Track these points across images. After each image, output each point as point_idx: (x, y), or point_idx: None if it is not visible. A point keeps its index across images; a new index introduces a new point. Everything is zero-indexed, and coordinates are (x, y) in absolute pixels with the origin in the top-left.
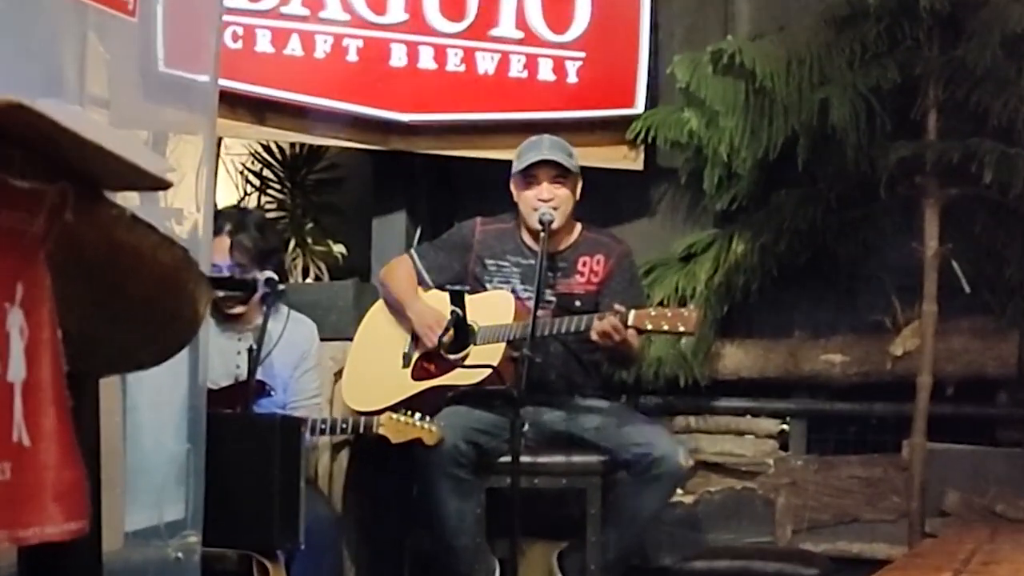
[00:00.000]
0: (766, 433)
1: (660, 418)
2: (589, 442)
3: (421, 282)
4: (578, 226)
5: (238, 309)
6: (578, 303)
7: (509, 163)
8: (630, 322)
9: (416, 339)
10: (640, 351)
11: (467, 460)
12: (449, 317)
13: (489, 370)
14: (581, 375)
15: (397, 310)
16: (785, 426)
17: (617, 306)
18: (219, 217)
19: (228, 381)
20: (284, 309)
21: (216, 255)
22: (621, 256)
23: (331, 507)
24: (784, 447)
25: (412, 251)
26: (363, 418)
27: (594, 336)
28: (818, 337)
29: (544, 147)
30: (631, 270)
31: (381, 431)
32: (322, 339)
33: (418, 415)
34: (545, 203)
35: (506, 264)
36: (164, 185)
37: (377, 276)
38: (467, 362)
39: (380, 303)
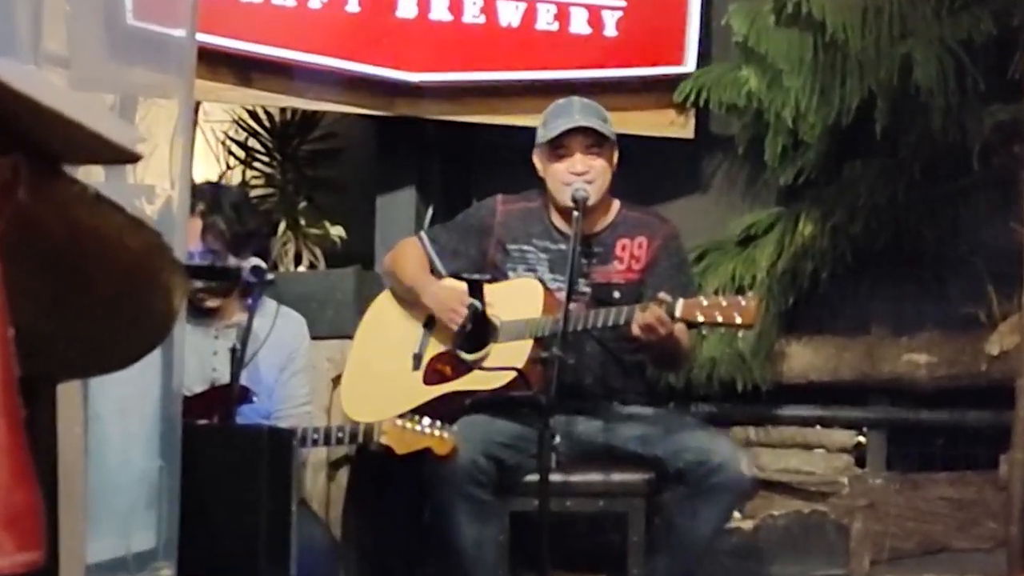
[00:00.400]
0: (839, 447)
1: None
2: (631, 455)
3: (432, 270)
4: (616, 204)
5: (214, 302)
6: (617, 294)
7: (535, 131)
8: (678, 313)
9: (429, 337)
10: (690, 349)
11: (487, 478)
12: (465, 315)
13: (513, 373)
14: (621, 378)
15: (408, 298)
16: (862, 438)
17: (662, 295)
18: (191, 195)
19: (202, 386)
20: (271, 303)
21: (187, 239)
22: (667, 237)
23: (328, 533)
24: (860, 463)
25: (422, 233)
26: (362, 426)
27: (635, 330)
28: (900, 334)
29: (575, 111)
30: (678, 254)
31: (384, 440)
32: (318, 337)
33: (427, 420)
34: (578, 176)
35: (532, 249)
36: (133, 158)
37: (381, 263)
38: (487, 363)
39: (385, 295)
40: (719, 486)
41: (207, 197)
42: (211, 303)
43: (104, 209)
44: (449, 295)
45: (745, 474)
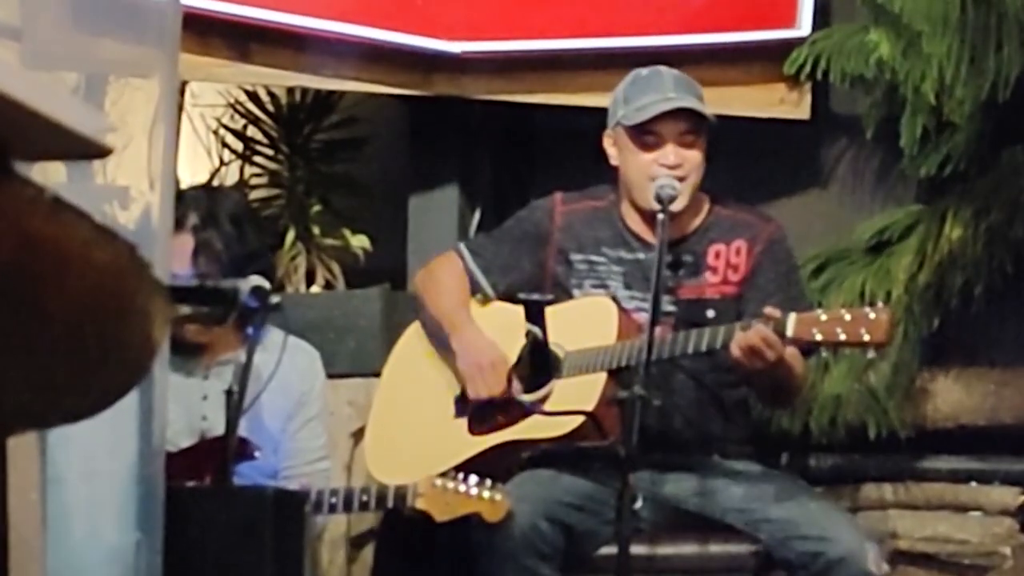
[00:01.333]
0: (1000, 508)
1: (840, 488)
2: (731, 527)
3: (476, 290)
4: (706, 200)
5: (203, 335)
6: (711, 312)
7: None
8: (789, 332)
9: None
10: (804, 378)
11: (551, 548)
12: (522, 346)
13: (582, 417)
14: (720, 423)
15: (438, 337)
16: None
17: (769, 309)
18: (179, 203)
19: (190, 439)
20: (278, 334)
21: (174, 260)
22: (770, 240)
23: None
24: None
25: (461, 246)
26: (392, 488)
27: (736, 353)
28: None
29: (668, 86)
30: (786, 260)
31: (420, 504)
32: (337, 375)
33: (474, 479)
34: (670, 170)
35: (602, 260)
36: (101, 151)
37: (413, 282)
38: (549, 406)
39: (418, 324)
40: None
41: (201, 207)
42: (199, 336)
43: (65, 217)
44: (481, 348)
45: (873, 573)
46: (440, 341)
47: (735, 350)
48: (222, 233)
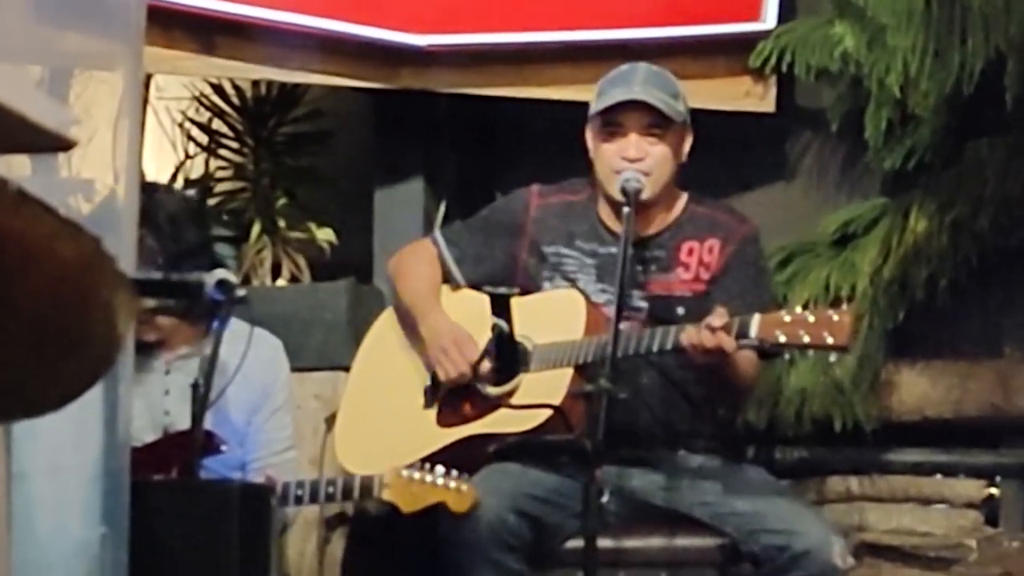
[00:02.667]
0: (965, 501)
1: (806, 481)
2: (697, 521)
3: (448, 278)
4: (683, 197)
5: (161, 331)
6: (681, 309)
7: (577, 107)
8: (753, 333)
9: None
10: (754, 378)
11: (519, 541)
12: (489, 335)
13: (549, 411)
14: (687, 418)
15: (409, 322)
16: (994, 490)
17: (719, 308)
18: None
19: (153, 435)
20: (243, 326)
21: None
22: (744, 240)
23: None
24: (992, 521)
25: (437, 233)
26: (358, 478)
27: (684, 343)
28: None
29: (636, 80)
30: (757, 262)
31: (386, 495)
32: (303, 368)
33: (440, 470)
34: (631, 163)
35: (574, 253)
36: (65, 144)
37: (383, 272)
38: (516, 399)
39: (388, 313)
40: None
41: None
42: (157, 331)
43: (30, 210)
44: (449, 331)
45: (838, 567)
46: (410, 326)
47: (684, 343)
48: (156, 232)
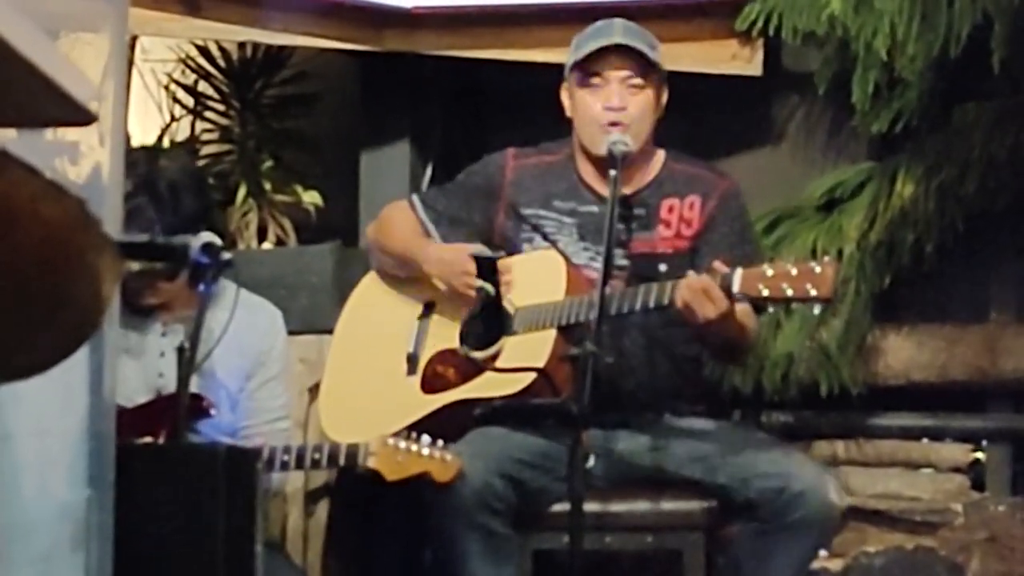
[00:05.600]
0: (951, 465)
1: (793, 445)
2: (688, 482)
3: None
4: (661, 155)
5: (159, 294)
6: (663, 267)
7: (562, 69)
8: (736, 288)
9: (426, 331)
10: (756, 335)
11: (504, 506)
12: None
13: (533, 374)
14: (673, 380)
15: (402, 273)
16: (980, 454)
17: (717, 264)
18: None
19: (147, 396)
20: (230, 289)
21: None
22: (725, 196)
23: None
24: (979, 485)
25: (413, 197)
26: (344, 446)
27: (679, 305)
28: None
29: (615, 33)
30: (740, 217)
31: (372, 464)
32: (290, 331)
33: (425, 439)
34: (615, 112)
35: (551, 215)
36: (89, 119)
37: (367, 232)
38: (500, 363)
39: (371, 278)
40: (800, 521)
41: (138, 172)
42: (156, 294)
43: (14, 172)
44: (452, 255)
45: (835, 503)
46: (405, 281)
47: (679, 302)
48: (156, 201)
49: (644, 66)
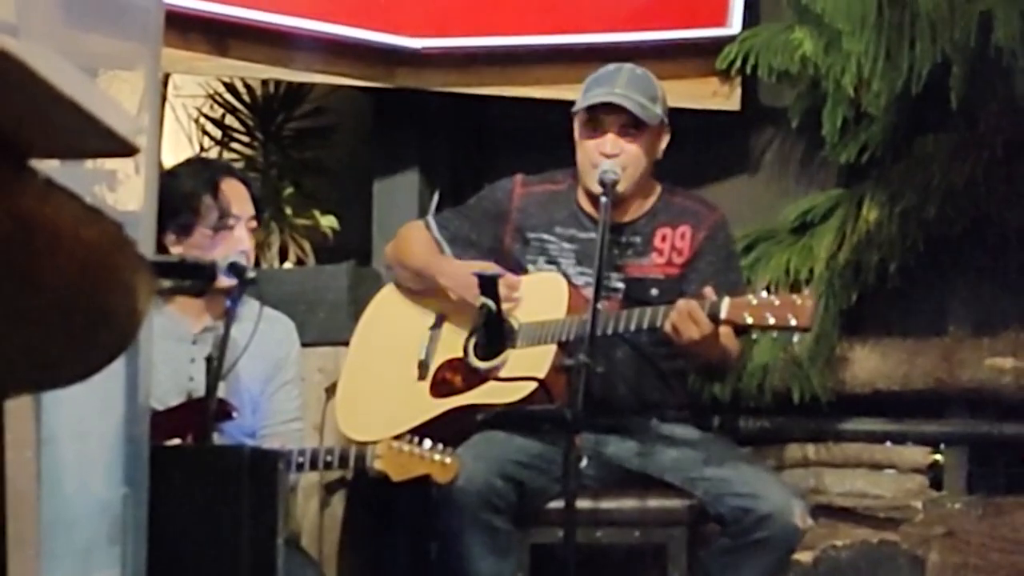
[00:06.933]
0: (912, 466)
1: (767, 448)
2: (668, 485)
3: None
4: (658, 188)
5: (191, 306)
6: (654, 291)
7: (560, 105)
8: (723, 314)
9: (436, 341)
10: (739, 354)
11: (505, 504)
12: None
13: (533, 384)
14: (658, 390)
15: (419, 287)
16: (938, 456)
17: (707, 290)
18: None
19: (178, 398)
20: (254, 304)
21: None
22: (714, 227)
23: (320, 573)
24: (937, 485)
25: (429, 218)
26: (354, 448)
27: (667, 328)
28: (981, 335)
29: (618, 83)
30: (727, 246)
31: (378, 465)
32: (308, 343)
33: (427, 443)
34: (608, 158)
35: (554, 239)
36: (132, 151)
37: (381, 256)
38: (503, 373)
39: (387, 292)
40: (766, 541)
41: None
42: (189, 306)
43: (57, 198)
44: (464, 273)
45: (799, 527)
46: (420, 295)
47: (667, 326)
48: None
49: (638, 119)
